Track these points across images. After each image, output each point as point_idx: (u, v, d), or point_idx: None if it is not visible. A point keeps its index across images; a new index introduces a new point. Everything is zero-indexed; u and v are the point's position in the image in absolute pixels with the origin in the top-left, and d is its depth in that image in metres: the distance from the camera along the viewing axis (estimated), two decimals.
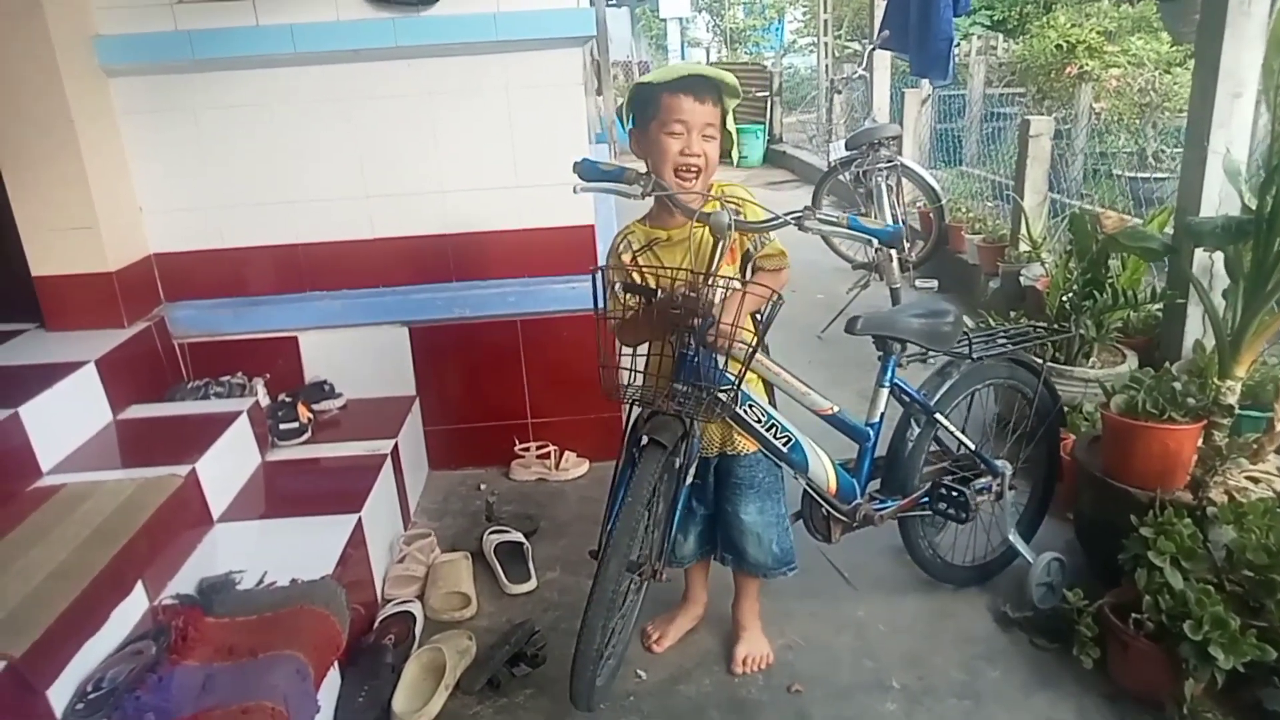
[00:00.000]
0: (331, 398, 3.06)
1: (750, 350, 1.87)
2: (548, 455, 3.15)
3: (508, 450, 3.17)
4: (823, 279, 5.24)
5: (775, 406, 2.10)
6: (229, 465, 2.48)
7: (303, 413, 2.87)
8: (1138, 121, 6.33)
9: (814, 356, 4.24)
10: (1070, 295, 3.25)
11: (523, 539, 2.67)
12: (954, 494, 2.22)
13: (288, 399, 2.92)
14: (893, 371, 2.20)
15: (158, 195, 2.96)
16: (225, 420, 2.55)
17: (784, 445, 2.05)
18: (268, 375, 3.03)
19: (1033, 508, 2.53)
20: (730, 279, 1.89)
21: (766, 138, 10.65)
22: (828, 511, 2.20)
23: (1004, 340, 2.36)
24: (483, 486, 3.09)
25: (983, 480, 2.29)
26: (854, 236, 1.86)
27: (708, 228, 1.82)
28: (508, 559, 2.61)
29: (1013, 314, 3.49)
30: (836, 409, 2.13)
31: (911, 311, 2.22)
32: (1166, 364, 2.74)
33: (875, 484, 2.29)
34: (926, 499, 2.28)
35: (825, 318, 4.59)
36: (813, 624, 2.32)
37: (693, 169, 1.89)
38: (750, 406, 2.01)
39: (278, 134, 2.93)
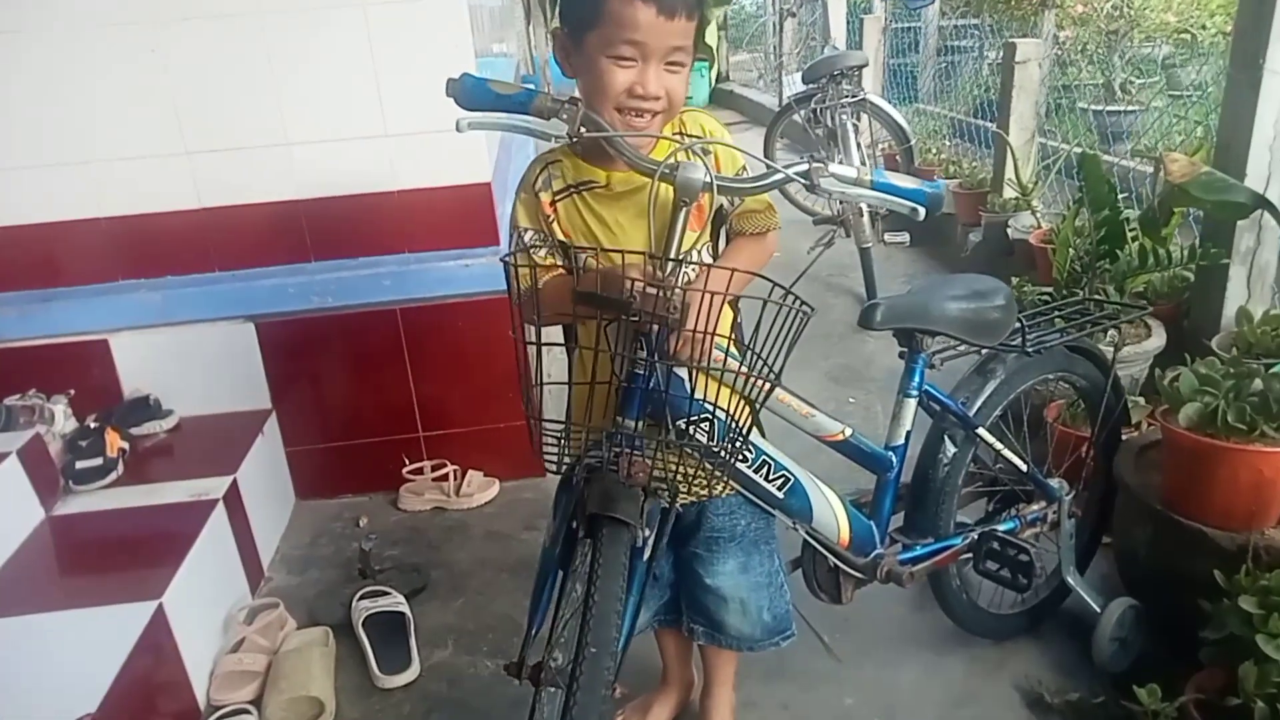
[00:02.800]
0: (157, 417, 2.37)
1: (741, 367, 1.27)
2: (446, 477, 2.50)
3: (395, 473, 2.52)
4: (779, 234, 4.61)
5: (762, 432, 1.48)
6: None
7: (111, 443, 2.18)
8: (1103, 51, 5.80)
9: None
10: (1083, 255, 2.66)
11: (403, 606, 2.03)
12: (1012, 551, 1.63)
13: (94, 424, 2.23)
14: (922, 375, 1.60)
15: None
16: None
17: (779, 489, 1.45)
18: (72, 392, 2.32)
19: (1084, 535, 1.96)
20: (694, 260, 1.25)
21: (712, 75, 9.89)
22: (836, 565, 1.61)
23: (1061, 322, 1.78)
24: (362, 522, 2.44)
25: (1035, 508, 1.73)
26: (884, 200, 1.23)
27: (672, 186, 1.17)
28: (382, 636, 1.97)
29: (1015, 280, 2.90)
30: (848, 432, 1.53)
31: (947, 293, 1.62)
32: (1230, 350, 2.18)
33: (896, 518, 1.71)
34: (969, 553, 1.69)
35: (784, 280, 3.95)
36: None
37: (645, 113, 1.24)
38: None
39: (58, 70, 2.18)
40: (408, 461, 2.52)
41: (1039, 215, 3.55)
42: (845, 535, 1.57)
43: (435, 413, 2.52)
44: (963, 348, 1.66)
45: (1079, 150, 3.48)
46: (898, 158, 4.59)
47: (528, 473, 2.47)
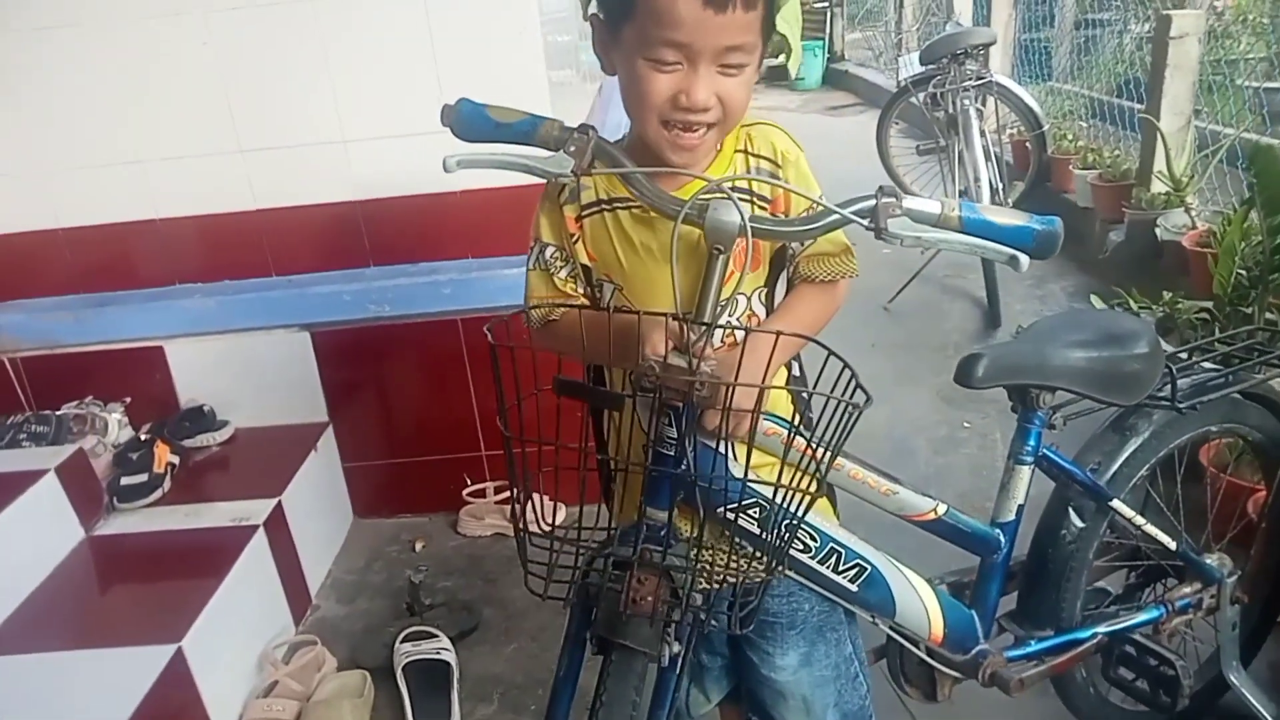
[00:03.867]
0: (212, 429, 2.26)
1: (793, 437, 1.01)
2: (508, 500, 2.31)
3: (456, 493, 2.35)
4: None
5: (835, 512, 1.23)
6: (8, 558, 1.70)
7: (160, 457, 2.07)
8: (1265, 20, 5.12)
9: (879, 336, 3.30)
10: (1253, 266, 2.25)
11: (449, 653, 1.85)
12: (1153, 661, 1.31)
13: (145, 436, 2.14)
14: (1039, 439, 1.30)
15: None
16: (13, 488, 1.76)
17: (853, 582, 1.20)
18: (128, 400, 2.25)
19: (1251, 619, 1.61)
20: (740, 312, 1.00)
21: (826, 56, 9.41)
22: (926, 660, 1.34)
23: (1221, 365, 1.45)
24: (418, 547, 2.27)
25: (1187, 591, 1.41)
26: (976, 248, 0.95)
27: (700, 231, 0.94)
28: (424, 686, 1.79)
29: (1166, 294, 2.50)
30: (942, 509, 1.25)
31: (1070, 338, 1.32)
32: None
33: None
34: (1099, 654, 1.39)
35: (893, 281, 3.62)
36: None
37: (696, 127, 0.99)
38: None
39: (109, 65, 2.07)
40: (469, 481, 2.35)
41: (1194, 214, 3.10)
42: (939, 630, 1.29)
43: (499, 430, 2.33)
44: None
45: (1246, 138, 3.00)
46: (1028, 144, 4.16)
47: (596, 499, 2.26)
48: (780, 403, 1.15)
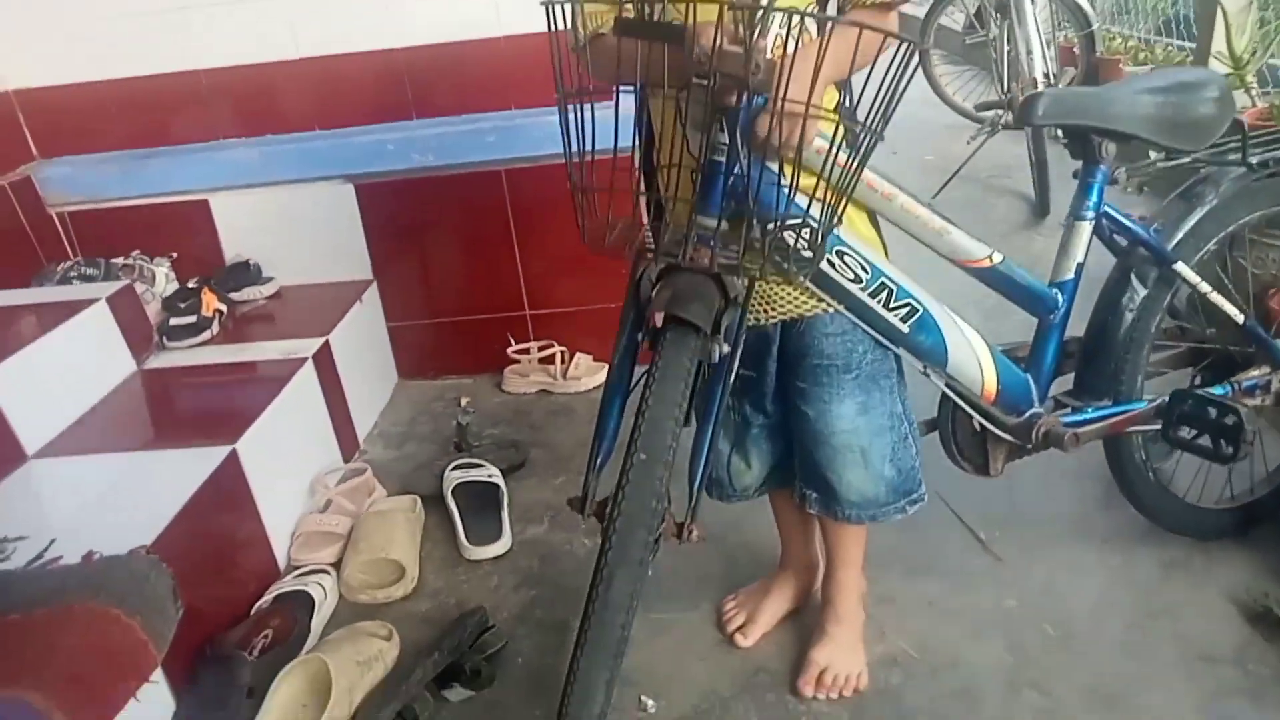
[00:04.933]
0: (258, 282, 2.26)
1: (833, 152, 0.97)
2: (552, 359, 2.30)
3: (500, 353, 2.33)
4: (931, 137, 4.15)
5: (887, 254, 1.19)
6: (62, 376, 1.71)
7: (208, 303, 2.08)
8: None
9: None
10: None
11: (498, 479, 1.85)
12: (1215, 411, 1.27)
13: (192, 285, 2.14)
14: (1100, 194, 1.27)
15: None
16: (64, 312, 1.77)
17: (904, 321, 1.18)
18: (174, 255, 2.25)
19: None
20: (794, 10, 0.96)
21: None
22: (983, 425, 1.31)
23: None
24: (464, 401, 2.27)
25: (1255, 373, 1.36)
26: None
27: None
28: (473, 507, 1.79)
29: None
30: (998, 258, 1.22)
31: (1140, 85, 1.26)
32: None
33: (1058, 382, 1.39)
34: (1159, 417, 1.34)
35: (935, 184, 3.53)
36: (930, 620, 1.44)
37: None
38: (843, 255, 1.11)
39: None
40: (513, 341, 2.33)
41: (1254, 93, 2.99)
42: (992, 386, 1.26)
43: (543, 289, 2.31)
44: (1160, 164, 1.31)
45: None
46: (1075, 49, 4.04)
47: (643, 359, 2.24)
48: (827, 126, 1.12)
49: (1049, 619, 1.41)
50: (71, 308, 1.79)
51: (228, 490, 1.54)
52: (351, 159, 2.19)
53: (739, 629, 1.44)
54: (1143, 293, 1.33)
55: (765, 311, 1.20)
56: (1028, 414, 1.32)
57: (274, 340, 2.01)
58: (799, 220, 1.04)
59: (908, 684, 1.33)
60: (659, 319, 1.07)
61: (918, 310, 1.18)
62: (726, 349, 1.08)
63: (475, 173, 2.18)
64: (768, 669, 1.38)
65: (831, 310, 1.18)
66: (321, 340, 1.98)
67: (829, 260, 1.14)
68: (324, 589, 1.58)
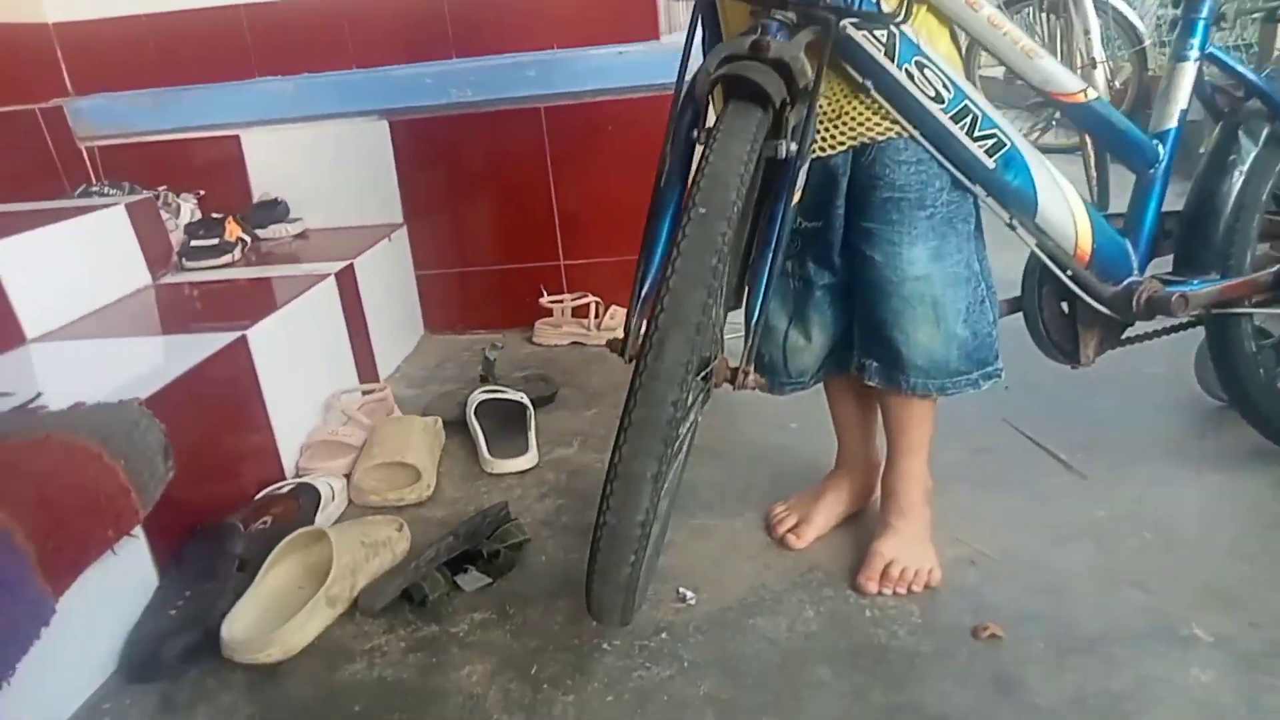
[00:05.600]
0: (284, 220, 2.18)
1: None
2: (586, 311, 2.18)
3: (532, 306, 2.22)
4: None
5: (975, 82, 1.09)
6: (71, 271, 1.62)
7: (231, 231, 2.00)
8: None
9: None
10: None
11: (525, 402, 1.72)
12: None
13: (217, 216, 2.06)
14: (1206, 34, 1.16)
15: None
16: (78, 212, 1.69)
17: (989, 154, 1.06)
18: (201, 192, 2.19)
19: None
20: None
21: None
22: (1073, 301, 1.18)
23: None
24: (494, 341, 2.14)
25: None
26: None
27: None
28: (498, 426, 1.65)
29: None
30: (1092, 94, 1.11)
31: None
32: None
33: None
34: (1276, 287, 1.21)
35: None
36: (1008, 528, 1.27)
37: None
38: (923, 68, 1.01)
39: None
40: (545, 292, 2.22)
41: None
42: (1086, 244, 1.14)
43: (579, 238, 2.22)
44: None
45: None
46: (1115, 83, 3.96)
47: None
48: None
49: (1146, 527, 1.24)
50: (87, 209, 1.72)
51: (234, 372, 1.43)
52: (388, 93, 2.13)
53: (791, 529, 1.28)
54: (1253, 151, 1.20)
55: (833, 134, 1.08)
56: (1126, 281, 1.18)
57: (297, 264, 1.93)
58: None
59: (988, 583, 1.16)
60: (717, 102, 0.96)
61: (1005, 144, 1.06)
62: (794, 149, 0.96)
63: (514, 110, 2.11)
64: (823, 568, 1.21)
65: (906, 135, 1.06)
66: (346, 263, 1.88)
67: (906, 71, 1.03)
68: (333, 488, 1.44)
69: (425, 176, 2.19)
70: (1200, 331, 1.43)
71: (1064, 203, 1.12)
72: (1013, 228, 1.12)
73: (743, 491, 1.42)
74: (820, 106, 1.06)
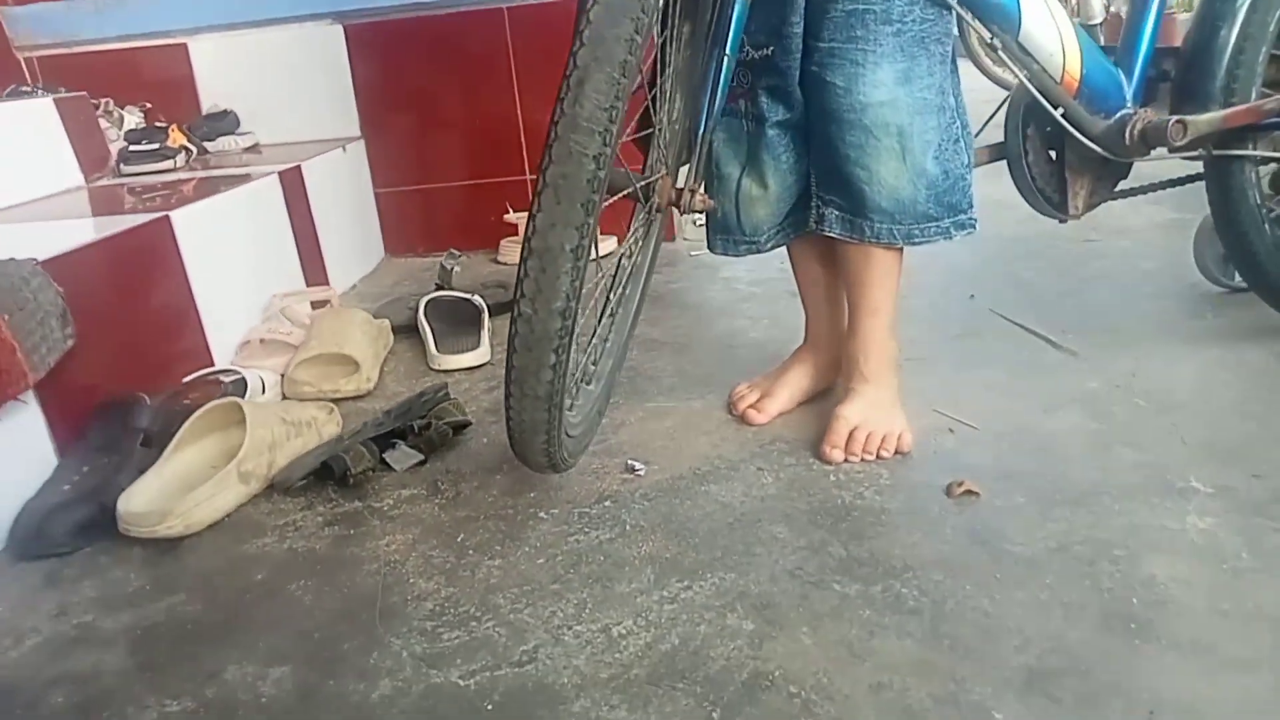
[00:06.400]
0: (234, 133, 2.07)
1: None
2: None
3: (498, 223, 2.11)
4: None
5: None
6: None
7: (174, 139, 1.89)
8: None
9: None
10: None
11: (480, 303, 1.61)
12: None
13: (161, 124, 1.95)
14: None
15: None
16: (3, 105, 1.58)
17: None
18: (148, 105, 2.07)
19: None
20: None
21: None
22: (1061, 145, 1.08)
23: None
24: (453, 254, 2.03)
25: None
26: None
27: None
28: (449, 325, 1.55)
29: None
30: None
31: None
32: None
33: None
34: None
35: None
36: (994, 399, 1.16)
37: None
38: None
39: None
40: (511, 209, 2.11)
41: None
42: (1075, 69, 1.03)
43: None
44: None
45: None
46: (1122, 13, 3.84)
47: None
48: None
49: (1140, 396, 1.13)
50: (12, 101, 1.61)
51: (153, 252, 1.32)
52: None
53: (752, 405, 1.17)
54: None
55: None
56: (1118, 114, 1.07)
57: (243, 168, 1.81)
58: None
59: (967, 447, 1.05)
60: None
61: None
62: None
63: (476, 11, 2.00)
64: (786, 439, 1.11)
65: None
66: (294, 165, 1.77)
67: None
68: (263, 380, 1.34)
69: (383, 87, 2.08)
70: (1200, 216, 1.33)
71: (1050, 21, 1.01)
72: (993, 48, 1.01)
73: (704, 377, 1.31)
74: None
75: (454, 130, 2.10)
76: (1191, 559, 0.80)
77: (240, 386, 1.29)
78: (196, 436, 1.10)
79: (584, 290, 0.82)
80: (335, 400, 1.33)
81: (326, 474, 1.07)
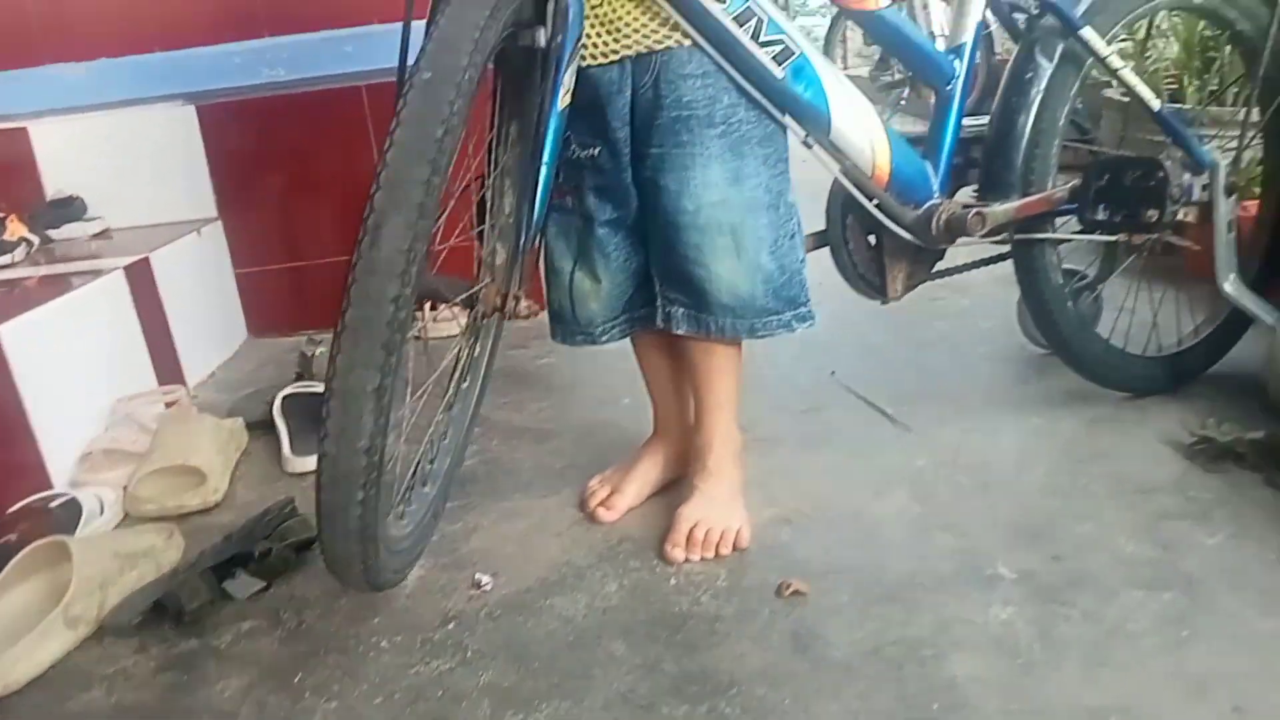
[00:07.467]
0: (81, 219, 2.00)
1: None
2: (420, 304, 2.06)
3: None
4: None
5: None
6: None
7: (13, 230, 1.81)
8: None
9: None
10: None
11: None
12: (1136, 173, 1.12)
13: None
14: None
15: None
16: None
17: (777, 62, 1.00)
18: None
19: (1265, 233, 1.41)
20: None
21: None
22: (879, 232, 1.14)
23: None
24: (313, 340, 2.01)
25: (1177, 179, 1.19)
26: None
27: None
28: (307, 421, 1.53)
29: None
30: (885, 1, 1.06)
31: None
32: None
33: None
34: (1074, 198, 1.20)
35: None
36: (828, 483, 1.22)
37: None
38: None
39: None
40: None
41: None
42: (885, 163, 1.10)
43: None
44: None
45: None
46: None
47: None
48: None
49: (962, 473, 1.21)
50: None
51: None
52: (193, 76, 1.98)
53: (602, 502, 1.19)
54: (1048, 72, 1.18)
55: (605, 41, 1.00)
56: (927, 204, 1.15)
57: (90, 263, 1.75)
58: None
59: (800, 539, 1.10)
60: None
61: (793, 52, 1.01)
62: (557, 40, 0.90)
63: (333, 89, 1.99)
64: (633, 538, 1.14)
65: (689, 43, 0.99)
66: (139, 256, 1.72)
67: None
68: (101, 502, 1.29)
69: (240, 166, 2.04)
70: None
71: (857, 119, 1.07)
72: (809, 146, 1.07)
73: (563, 470, 1.33)
74: (593, 9, 0.98)
75: (316, 206, 2.08)
76: (990, 654, 0.86)
77: (73, 510, 1.24)
78: (20, 578, 1.06)
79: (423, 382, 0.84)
80: (181, 516, 1.29)
81: (162, 611, 1.04)
